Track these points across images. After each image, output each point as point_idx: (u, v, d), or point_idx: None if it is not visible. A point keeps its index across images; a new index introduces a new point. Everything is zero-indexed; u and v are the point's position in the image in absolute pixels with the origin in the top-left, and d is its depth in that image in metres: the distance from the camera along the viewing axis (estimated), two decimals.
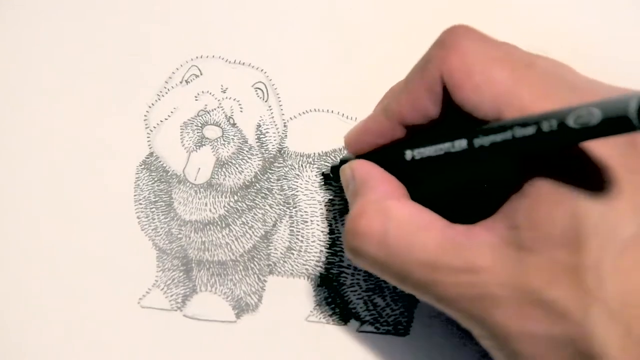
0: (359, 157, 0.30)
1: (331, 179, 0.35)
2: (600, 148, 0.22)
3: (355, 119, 0.36)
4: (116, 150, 0.36)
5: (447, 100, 0.25)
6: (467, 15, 0.37)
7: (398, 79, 0.36)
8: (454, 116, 0.25)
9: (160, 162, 0.35)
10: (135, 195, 0.35)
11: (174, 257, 0.35)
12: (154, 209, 0.35)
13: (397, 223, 0.25)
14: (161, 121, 0.35)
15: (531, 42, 0.28)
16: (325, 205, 0.35)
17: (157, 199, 0.35)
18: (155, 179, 0.35)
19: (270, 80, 0.36)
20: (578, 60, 0.27)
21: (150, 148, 0.35)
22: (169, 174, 0.35)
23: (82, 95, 0.36)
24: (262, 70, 0.36)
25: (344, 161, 0.30)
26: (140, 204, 0.35)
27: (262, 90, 0.36)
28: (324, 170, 0.35)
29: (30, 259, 0.35)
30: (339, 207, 0.35)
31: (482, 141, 0.23)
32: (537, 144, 0.21)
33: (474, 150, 0.23)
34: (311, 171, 0.35)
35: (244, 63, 0.36)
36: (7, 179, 0.35)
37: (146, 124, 0.36)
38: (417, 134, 0.27)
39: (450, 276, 0.24)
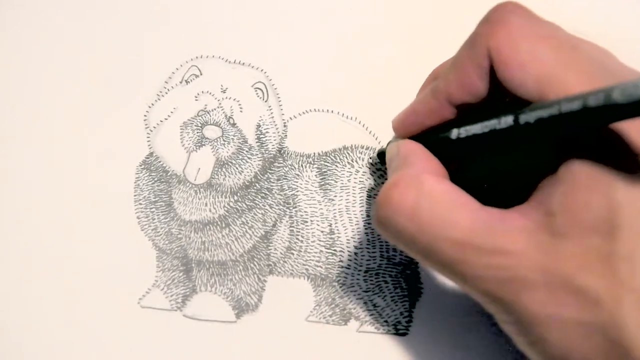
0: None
1: (379, 163, 0.35)
2: (637, 128, 0.22)
3: (355, 118, 0.36)
4: (116, 150, 0.36)
5: (494, 77, 0.25)
6: (467, 15, 0.37)
7: (398, 78, 0.36)
8: (499, 97, 0.25)
9: (160, 162, 0.35)
10: (135, 195, 0.35)
11: (174, 257, 0.35)
12: (154, 209, 0.35)
13: (431, 198, 0.25)
14: (161, 121, 0.35)
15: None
16: (325, 205, 0.35)
17: (157, 199, 0.35)
18: (155, 179, 0.35)
19: (270, 80, 0.36)
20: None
21: (150, 148, 0.35)
22: (169, 174, 0.35)
23: (82, 95, 0.36)
24: (262, 70, 0.36)
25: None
26: (140, 204, 0.35)
27: (262, 90, 0.36)
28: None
29: (30, 259, 0.35)
30: (339, 207, 0.35)
31: (528, 117, 0.23)
32: (583, 120, 0.21)
33: (520, 127, 0.23)
34: (311, 171, 0.35)
35: (244, 63, 0.36)
36: (7, 179, 0.35)
37: (146, 124, 0.36)
38: (464, 114, 0.27)
39: (481, 257, 0.23)
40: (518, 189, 0.25)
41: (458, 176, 0.27)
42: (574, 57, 0.24)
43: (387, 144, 0.31)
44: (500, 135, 0.24)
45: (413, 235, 0.25)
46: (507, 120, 0.24)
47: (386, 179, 0.32)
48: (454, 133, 0.26)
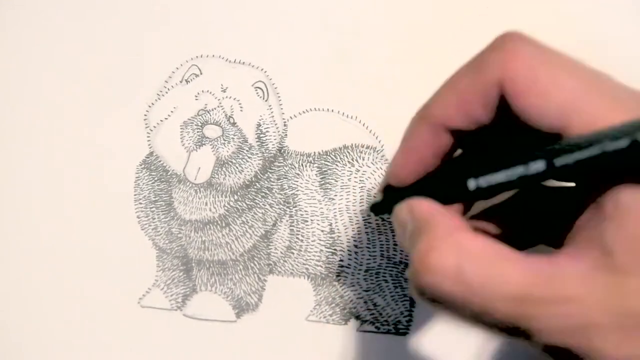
0: (408, 192, 0.26)
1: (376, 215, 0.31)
2: None
3: (355, 118, 0.36)
4: (116, 150, 0.36)
5: (501, 107, 0.23)
6: (467, 16, 0.37)
7: (398, 78, 0.36)
8: (506, 124, 0.24)
9: (160, 161, 0.35)
10: (135, 195, 0.35)
11: (174, 256, 0.35)
12: (154, 209, 0.35)
13: (473, 256, 0.23)
14: (161, 121, 0.35)
15: None
16: (325, 204, 0.35)
17: (157, 198, 0.35)
18: (155, 179, 0.35)
19: (270, 79, 0.36)
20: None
21: (150, 148, 0.35)
22: (169, 174, 0.35)
23: (82, 95, 0.36)
24: (262, 69, 0.36)
25: (389, 197, 0.27)
26: (140, 203, 0.35)
27: (262, 90, 0.36)
28: (322, 169, 0.35)
29: (30, 258, 0.35)
30: (339, 206, 0.35)
31: (565, 160, 0.21)
32: (631, 157, 0.19)
33: (555, 170, 0.21)
34: (311, 170, 0.35)
35: (244, 63, 0.36)
36: (8, 179, 0.35)
37: (146, 124, 0.36)
38: (471, 155, 0.25)
39: (543, 308, 0.22)
40: (554, 229, 0.24)
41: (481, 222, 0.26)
42: (597, 83, 0.22)
43: (383, 198, 0.28)
44: (530, 180, 0.22)
45: (463, 299, 0.23)
46: (537, 167, 0.22)
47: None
48: (471, 184, 0.24)
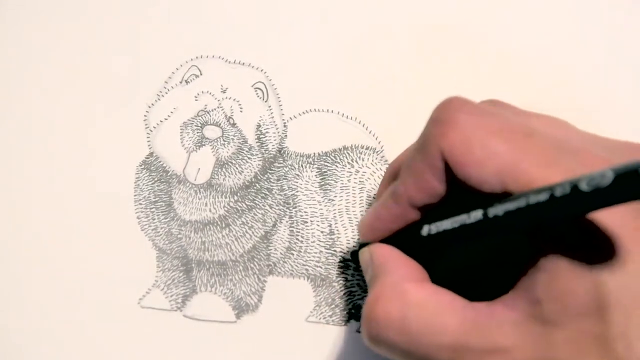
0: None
1: (354, 262, 0.35)
2: (614, 215, 0.22)
3: (355, 118, 0.36)
4: (116, 150, 0.36)
5: (451, 175, 0.25)
6: (467, 16, 0.37)
7: (398, 78, 0.36)
8: (462, 191, 0.25)
9: (160, 162, 0.35)
10: (135, 195, 0.35)
11: (174, 257, 0.35)
12: (154, 209, 0.35)
13: (416, 306, 0.24)
14: (161, 121, 0.35)
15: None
16: (325, 205, 0.35)
17: (157, 199, 0.35)
18: (155, 179, 0.35)
19: (270, 80, 0.36)
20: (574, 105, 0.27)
21: (150, 148, 0.35)
22: (169, 174, 0.35)
23: (82, 95, 0.36)
24: (262, 70, 0.36)
25: (363, 245, 0.30)
26: (140, 204, 0.35)
27: (262, 90, 0.36)
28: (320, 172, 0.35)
29: (30, 259, 0.35)
30: (339, 207, 0.35)
31: (496, 210, 0.23)
32: (551, 211, 0.21)
33: (489, 220, 0.23)
34: (311, 171, 0.35)
35: (244, 63, 0.36)
36: (7, 179, 0.35)
37: (146, 124, 0.36)
38: (431, 212, 0.26)
39: (475, 357, 0.23)
40: (501, 278, 0.25)
41: (438, 272, 0.27)
42: (529, 145, 0.23)
43: (360, 245, 0.31)
44: (471, 229, 0.24)
45: (406, 348, 0.24)
46: (476, 215, 0.24)
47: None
48: (425, 230, 0.26)
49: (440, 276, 0.27)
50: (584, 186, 0.20)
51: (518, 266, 0.24)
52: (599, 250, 0.22)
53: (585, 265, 0.21)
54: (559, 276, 0.22)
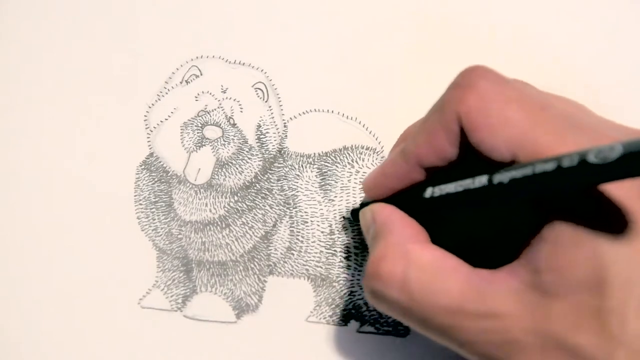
0: (378, 200, 0.29)
1: (352, 221, 0.35)
2: (619, 191, 0.22)
3: (355, 118, 0.36)
4: (116, 151, 0.36)
5: (465, 141, 0.25)
6: (467, 16, 0.37)
7: (398, 78, 0.36)
8: (471, 158, 0.25)
9: (160, 162, 0.35)
10: (135, 196, 0.35)
11: (174, 257, 0.35)
12: (154, 210, 0.35)
13: (419, 267, 0.25)
14: (161, 121, 0.35)
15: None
16: (325, 205, 0.35)
17: (157, 199, 0.35)
18: (156, 180, 0.35)
19: (270, 80, 0.36)
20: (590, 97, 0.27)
21: (150, 148, 0.35)
22: (169, 175, 0.35)
23: (82, 95, 0.36)
24: (262, 70, 0.36)
25: (364, 204, 0.30)
26: (141, 204, 0.35)
27: (262, 91, 0.36)
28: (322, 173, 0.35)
29: (30, 259, 0.35)
30: (339, 208, 0.35)
31: (502, 177, 0.23)
32: (557, 182, 0.21)
33: (494, 187, 0.23)
34: (311, 171, 0.35)
35: (244, 63, 0.36)
36: (7, 179, 0.35)
37: (146, 124, 0.36)
38: (436, 174, 0.27)
39: (473, 322, 0.23)
40: (507, 247, 0.25)
41: (440, 236, 0.27)
42: (543, 117, 0.24)
43: (360, 204, 0.31)
44: (474, 195, 0.24)
45: (406, 306, 0.25)
46: (481, 180, 0.24)
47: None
48: (428, 192, 0.26)
49: (440, 241, 0.27)
50: (592, 158, 0.20)
51: (522, 236, 0.24)
52: (602, 224, 0.22)
53: (588, 238, 0.22)
54: (560, 247, 0.22)
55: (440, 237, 0.27)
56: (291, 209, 0.35)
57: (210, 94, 0.35)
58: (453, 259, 0.25)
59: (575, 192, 0.22)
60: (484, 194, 0.24)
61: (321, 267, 0.35)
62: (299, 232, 0.35)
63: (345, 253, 0.35)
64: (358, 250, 0.35)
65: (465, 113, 0.24)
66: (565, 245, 0.22)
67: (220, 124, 0.35)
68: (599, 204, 0.22)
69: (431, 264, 0.25)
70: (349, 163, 0.35)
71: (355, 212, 0.32)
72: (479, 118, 0.24)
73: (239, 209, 0.35)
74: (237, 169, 0.35)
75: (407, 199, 0.28)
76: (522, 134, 0.23)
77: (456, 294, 0.24)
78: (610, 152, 0.19)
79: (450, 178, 0.25)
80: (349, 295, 0.35)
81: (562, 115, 0.24)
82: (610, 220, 0.22)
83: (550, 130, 0.23)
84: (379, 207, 0.28)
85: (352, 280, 0.35)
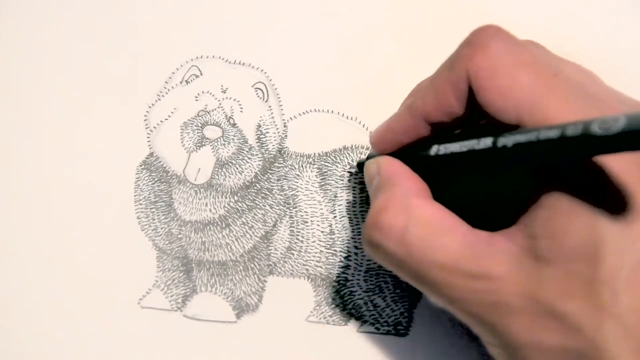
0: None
1: (356, 174, 0.35)
2: (619, 164, 0.22)
3: (355, 118, 0.36)
4: (116, 150, 0.36)
5: (472, 99, 0.25)
6: (467, 17, 0.37)
7: (398, 78, 0.36)
8: (477, 118, 0.25)
9: (160, 162, 0.35)
10: (135, 196, 0.35)
11: (174, 257, 0.35)
12: (154, 209, 0.35)
13: (419, 222, 0.25)
14: (161, 121, 0.35)
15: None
16: (325, 205, 0.35)
17: (157, 199, 0.35)
18: (156, 179, 0.35)
19: (270, 80, 0.36)
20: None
21: (150, 148, 0.35)
22: (169, 174, 0.35)
23: (82, 95, 0.36)
24: (262, 70, 0.36)
25: (370, 157, 0.30)
26: (141, 204, 0.35)
27: (262, 91, 0.36)
28: (324, 169, 0.35)
29: (30, 259, 0.35)
30: (339, 208, 0.35)
31: (506, 140, 0.23)
32: (560, 149, 0.21)
33: (497, 150, 0.23)
34: (311, 171, 0.35)
35: (244, 63, 0.36)
36: (7, 179, 0.35)
37: (146, 124, 0.36)
38: (442, 132, 0.27)
39: (466, 281, 0.24)
40: (506, 212, 0.25)
41: (442, 194, 0.27)
42: (553, 84, 0.24)
43: (367, 157, 0.31)
44: (478, 156, 0.24)
45: (402, 259, 0.25)
46: (486, 142, 0.24)
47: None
48: (433, 149, 0.26)
49: (442, 200, 0.27)
50: (595, 128, 0.20)
51: (522, 202, 0.24)
52: (600, 194, 0.22)
53: (585, 207, 0.22)
54: (557, 214, 0.22)
55: (441, 195, 0.27)
56: (291, 208, 0.35)
57: (210, 93, 0.35)
58: (453, 217, 0.25)
59: (577, 161, 0.22)
60: (487, 156, 0.24)
61: (321, 267, 0.35)
62: (299, 232, 0.35)
63: (345, 253, 0.35)
64: (358, 250, 0.35)
65: (474, 72, 0.24)
66: (562, 213, 0.22)
67: (220, 124, 0.35)
68: (598, 178, 0.22)
69: (431, 220, 0.25)
70: (349, 163, 0.35)
71: (361, 165, 0.32)
72: (488, 79, 0.24)
73: (239, 208, 0.35)
74: (237, 168, 0.35)
75: (412, 155, 0.28)
76: (531, 99, 0.23)
77: (452, 251, 0.24)
78: (613, 124, 0.19)
79: (458, 135, 0.26)
80: (349, 295, 0.35)
81: (572, 83, 0.24)
82: (608, 194, 0.22)
83: (558, 98, 0.23)
84: (385, 160, 0.28)
85: (352, 280, 0.35)
